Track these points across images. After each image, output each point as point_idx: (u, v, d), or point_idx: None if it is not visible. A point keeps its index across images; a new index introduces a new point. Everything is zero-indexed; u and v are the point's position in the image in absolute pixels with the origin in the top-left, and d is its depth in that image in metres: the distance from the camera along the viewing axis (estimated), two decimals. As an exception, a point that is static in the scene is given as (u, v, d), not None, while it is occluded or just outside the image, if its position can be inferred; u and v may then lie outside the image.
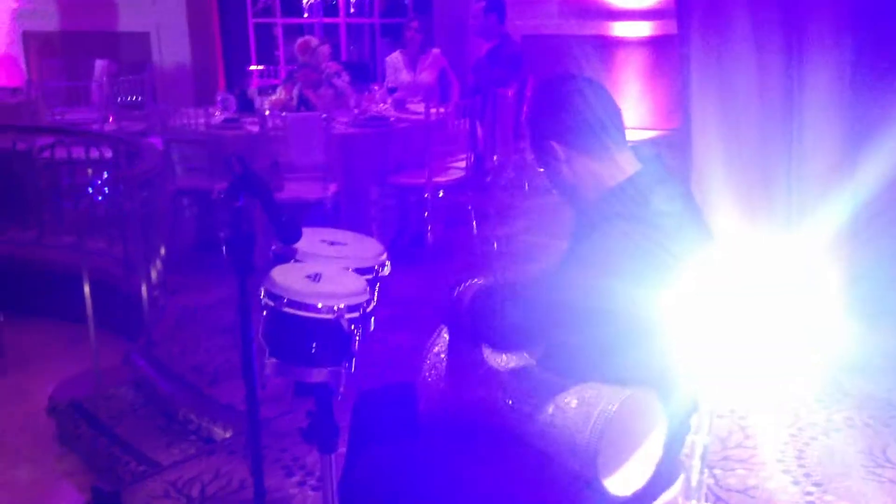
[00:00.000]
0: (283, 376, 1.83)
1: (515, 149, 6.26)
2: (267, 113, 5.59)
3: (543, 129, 1.94)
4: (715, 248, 1.90)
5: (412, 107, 6.25)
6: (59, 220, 5.74)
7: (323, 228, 2.20)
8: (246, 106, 6.07)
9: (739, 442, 3.15)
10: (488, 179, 6.06)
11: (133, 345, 4.59)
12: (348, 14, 9.52)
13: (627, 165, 1.93)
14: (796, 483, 2.89)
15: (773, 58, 3.59)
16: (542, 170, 2.04)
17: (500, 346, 1.87)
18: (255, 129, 5.55)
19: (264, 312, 1.82)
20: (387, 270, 2.05)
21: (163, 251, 4.79)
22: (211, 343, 4.44)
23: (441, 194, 5.73)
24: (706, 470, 1.95)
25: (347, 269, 1.97)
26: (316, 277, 1.86)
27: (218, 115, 5.86)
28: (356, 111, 5.99)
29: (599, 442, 1.72)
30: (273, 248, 2.01)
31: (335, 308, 1.79)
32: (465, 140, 5.73)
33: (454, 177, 5.71)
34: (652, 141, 7.14)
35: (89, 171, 5.43)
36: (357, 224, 5.40)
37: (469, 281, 1.95)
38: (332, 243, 2.07)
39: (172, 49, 8.29)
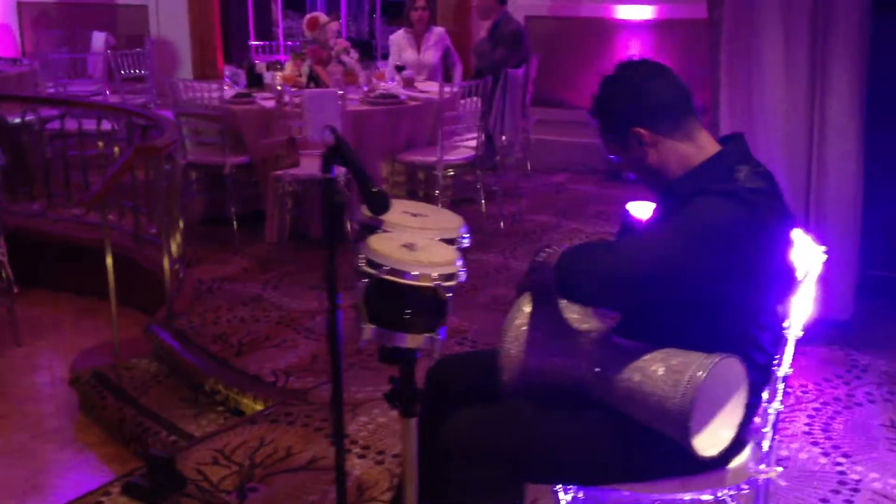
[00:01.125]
0: (380, 342, 1.88)
1: (523, 129, 6.34)
2: (279, 88, 5.60)
3: (625, 117, 1.98)
4: (791, 223, 1.98)
5: (420, 85, 6.29)
6: (66, 191, 5.71)
7: (400, 200, 2.25)
8: (254, 81, 6.07)
9: (766, 415, 3.26)
10: (497, 158, 6.13)
11: (152, 317, 4.61)
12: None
13: (709, 144, 2.00)
14: (826, 454, 3.01)
15: (801, 43, 3.69)
16: (612, 157, 2.09)
17: (590, 298, 1.91)
18: (269, 104, 5.56)
19: (364, 280, 1.87)
20: (467, 242, 2.11)
21: (181, 224, 4.80)
22: (231, 316, 4.47)
23: (450, 172, 5.78)
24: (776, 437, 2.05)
25: (433, 239, 2.03)
26: (412, 247, 1.91)
27: (227, 90, 5.86)
28: (365, 89, 6.02)
29: (690, 406, 1.80)
30: (359, 218, 2.06)
31: (434, 276, 1.85)
32: (472, 119, 5.78)
33: (463, 155, 5.76)
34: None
35: (100, 143, 5.40)
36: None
37: (550, 248, 2.00)
38: (414, 214, 2.12)
39: (171, 22, 8.23)
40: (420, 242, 1.96)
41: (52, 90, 6.96)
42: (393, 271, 1.84)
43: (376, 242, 1.92)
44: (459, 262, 1.92)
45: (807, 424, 3.21)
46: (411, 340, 1.87)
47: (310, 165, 5.38)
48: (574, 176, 7.16)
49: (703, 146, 1.99)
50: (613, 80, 2.04)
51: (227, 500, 2.77)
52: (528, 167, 6.99)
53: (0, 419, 4.18)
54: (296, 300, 4.68)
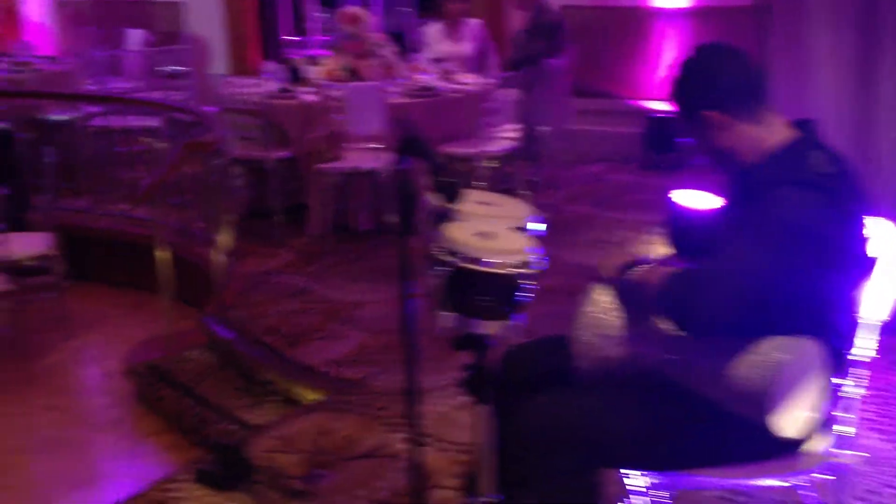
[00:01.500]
0: (458, 329, 1.91)
1: (561, 119, 6.34)
2: (320, 83, 5.65)
3: (697, 101, 1.99)
4: (866, 207, 1.99)
5: (457, 77, 6.30)
6: (113, 187, 5.79)
7: (468, 189, 2.27)
8: (294, 76, 6.11)
9: (824, 402, 3.25)
10: (536, 149, 6.15)
11: (200, 310, 4.67)
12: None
13: (781, 128, 2.00)
14: (890, 441, 3.00)
15: (849, 26, 3.67)
16: (684, 140, 2.10)
17: (699, 334, 1.91)
18: (311, 98, 5.61)
19: (441, 269, 1.89)
20: (538, 229, 2.12)
21: (230, 218, 4.86)
22: (280, 308, 4.52)
23: (490, 164, 5.79)
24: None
25: (506, 227, 2.05)
26: (487, 235, 1.94)
27: (269, 85, 5.91)
28: (404, 82, 6.04)
29: (767, 387, 1.81)
30: (431, 207, 2.08)
31: (511, 264, 1.87)
32: (510, 110, 5.80)
33: (503, 146, 5.78)
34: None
35: (147, 140, 5.48)
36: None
37: (639, 265, 2.00)
38: (484, 203, 2.15)
39: (205, 19, 8.29)
40: (495, 230, 1.99)
41: (92, 87, 7.04)
42: (471, 259, 1.87)
43: (452, 231, 1.94)
44: (535, 250, 1.95)
45: (867, 411, 3.19)
46: (488, 327, 1.90)
47: (353, 158, 5.45)
48: (611, 165, 7.15)
49: (775, 130, 2.00)
50: (688, 63, 2.05)
51: (296, 486, 2.81)
52: (567, 157, 6.98)
53: (59, 411, 4.27)
54: (341, 292, 4.72)
